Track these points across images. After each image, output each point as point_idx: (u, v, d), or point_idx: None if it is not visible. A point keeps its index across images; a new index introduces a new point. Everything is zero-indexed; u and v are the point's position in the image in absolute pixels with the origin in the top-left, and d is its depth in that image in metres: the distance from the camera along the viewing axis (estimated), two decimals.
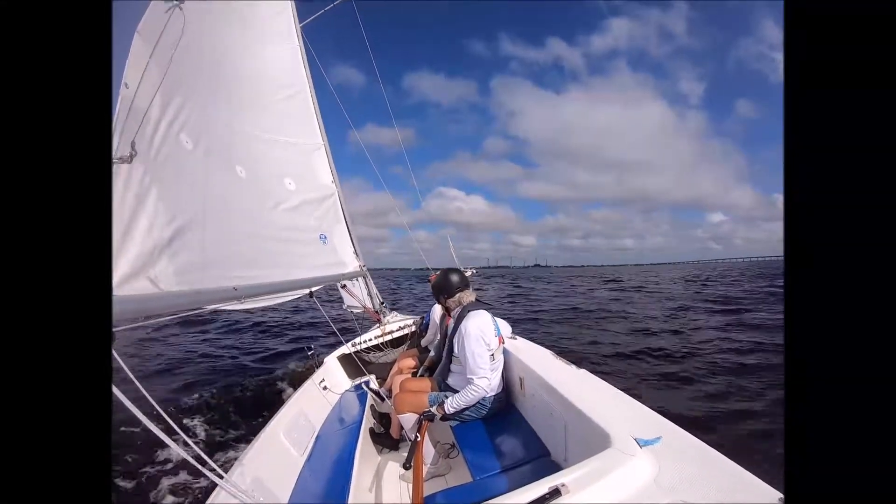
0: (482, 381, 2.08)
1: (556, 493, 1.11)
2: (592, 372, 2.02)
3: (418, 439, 1.92)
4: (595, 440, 1.39)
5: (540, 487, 1.14)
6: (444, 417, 2.18)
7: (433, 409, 2.16)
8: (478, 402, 2.19)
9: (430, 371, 2.95)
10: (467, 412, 2.20)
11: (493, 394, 2.25)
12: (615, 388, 1.77)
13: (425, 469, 2.29)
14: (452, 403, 2.12)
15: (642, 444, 1.27)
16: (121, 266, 1.61)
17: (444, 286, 2.44)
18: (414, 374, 3.07)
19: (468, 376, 2.13)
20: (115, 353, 0.96)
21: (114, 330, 0.94)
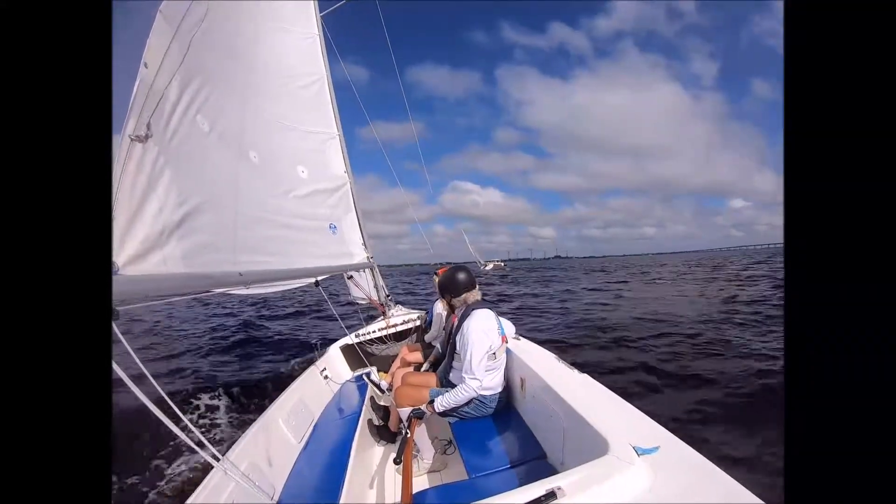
0: (473, 382, 2.07)
1: (551, 495, 1.10)
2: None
3: (408, 436, 1.92)
4: (593, 445, 1.38)
5: (536, 489, 1.13)
6: (442, 414, 2.18)
7: (423, 407, 2.16)
8: (477, 401, 2.18)
9: (433, 366, 2.95)
10: (466, 409, 2.20)
11: (495, 393, 2.24)
12: (616, 395, 1.75)
13: (422, 464, 2.29)
14: (443, 402, 2.12)
15: (640, 452, 1.25)
16: (129, 246, 1.62)
17: (451, 285, 2.41)
18: (417, 369, 3.08)
19: (462, 374, 2.13)
20: (118, 332, 0.96)
21: (118, 309, 0.95)
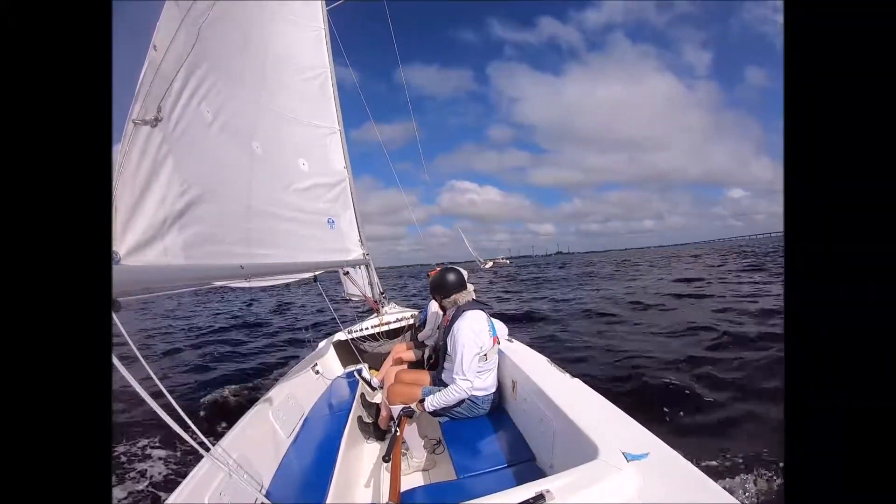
0: (464, 384, 2.08)
1: (540, 498, 1.11)
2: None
3: (398, 434, 1.93)
4: (583, 449, 1.39)
5: (524, 491, 1.14)
6: (433, 414, 2.19)
7: (413, 406, 2.17)
8: (469, 401, 2.19)
9: (427, 364, 2.96)
10: (458, 410, 2.21)
11: (487, 394, 2.25)
12: (607, 401, 1.76)
13: (411, 463, 2.30)
14: (433, 401, 2.13)
15: (630, 458, 1.26)
16: (130, 236, 1.60)
17: (441, 286, 2.42)
18: (410, 367, 3.08)
19: (453, 375, 2.14)
20: (119, 323, 0.96)
21: (120, 300, 0.94)
